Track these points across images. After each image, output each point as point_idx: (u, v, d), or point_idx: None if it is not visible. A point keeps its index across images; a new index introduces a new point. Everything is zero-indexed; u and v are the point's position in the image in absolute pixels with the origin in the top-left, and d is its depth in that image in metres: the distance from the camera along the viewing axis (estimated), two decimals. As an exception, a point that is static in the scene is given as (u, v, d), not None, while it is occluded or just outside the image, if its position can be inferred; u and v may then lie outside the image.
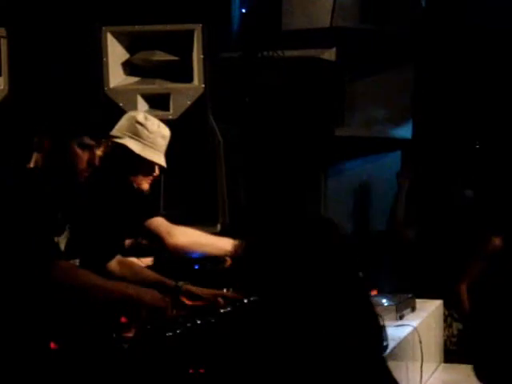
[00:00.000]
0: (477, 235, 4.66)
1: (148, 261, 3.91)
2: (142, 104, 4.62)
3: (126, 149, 3.56)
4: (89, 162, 3.00)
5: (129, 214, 3.52)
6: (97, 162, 3.03)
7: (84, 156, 2.99)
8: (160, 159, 3.65)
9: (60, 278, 2.85)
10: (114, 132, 3.59)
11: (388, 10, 5.69)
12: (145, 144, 3.60)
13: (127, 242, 3.81)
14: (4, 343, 2.87)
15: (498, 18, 5.65)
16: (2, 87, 4.76)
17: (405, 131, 6.10)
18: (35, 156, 3.03)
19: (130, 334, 2.96)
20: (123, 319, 3.02)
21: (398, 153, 6.15)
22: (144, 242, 3.87)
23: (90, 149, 3.00)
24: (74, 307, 2.91)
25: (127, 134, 3.60)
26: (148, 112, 4.49)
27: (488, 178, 5.27)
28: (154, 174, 3.72)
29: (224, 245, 3.73)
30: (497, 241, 4.47)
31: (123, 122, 3.65)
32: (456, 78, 5.87)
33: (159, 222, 3.62)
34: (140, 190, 3.66)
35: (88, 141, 2.99)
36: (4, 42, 4.69)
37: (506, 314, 2.03)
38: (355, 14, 5.61)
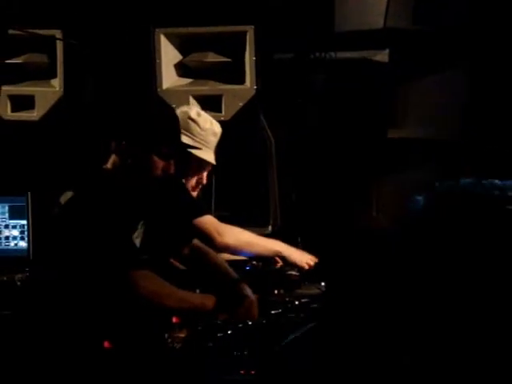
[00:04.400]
0: None
1: None
2: (194, 105, 4.64)
3: None
4: (163, 170, 3.01)
5: (178, 212, 3.52)
6: (172, 170, 3.04)
7: (160, 164, 3.00)
8: (210, 157, 3.63)
9: (139, 286, 2.87)
10: None
11: (441, 10, 5.63)
12: (195, 141, 3.58)
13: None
14: (60, 341, 2.91)
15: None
16: (57, 89, 4.82)
17: (458, 132, 6.03)
18: (113, 158, 3.04)
19: (182, 335, 2.98)
20: (175, 319, 3.04)
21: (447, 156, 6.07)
22: None
23: (166, 158, 3.01)
24: (128, 307, 2.93)
25: None
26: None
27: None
28: (203, 182, 3.70)
29: (273, 246, 3.72)
30: None
31: None
32: None
33: (209, 221, 3.60)
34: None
35: (166, 150, 3.00)
36: (59, 43, 4.74)
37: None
38: (408, 14, 5.55)
